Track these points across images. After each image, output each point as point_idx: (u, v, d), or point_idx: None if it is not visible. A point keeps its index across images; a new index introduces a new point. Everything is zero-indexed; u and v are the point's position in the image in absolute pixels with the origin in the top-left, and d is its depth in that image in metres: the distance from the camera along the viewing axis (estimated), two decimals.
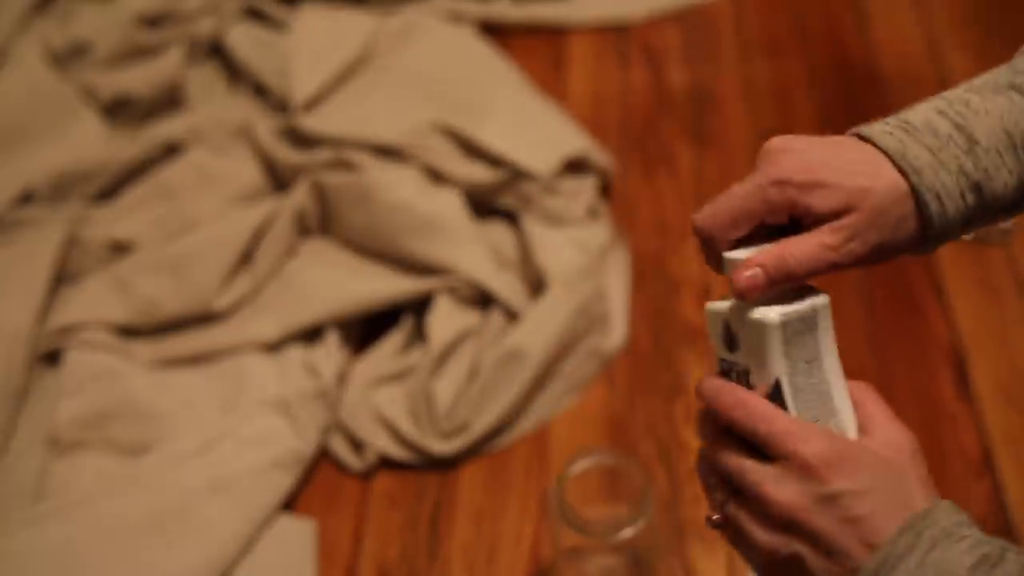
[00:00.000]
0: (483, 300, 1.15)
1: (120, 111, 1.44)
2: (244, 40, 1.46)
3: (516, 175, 1.20)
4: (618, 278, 1.20)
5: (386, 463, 1.07)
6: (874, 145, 0.54)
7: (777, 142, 0.57)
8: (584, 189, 1.22)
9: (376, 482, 1.06)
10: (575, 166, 1.23)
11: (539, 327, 1.08)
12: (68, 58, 1.47)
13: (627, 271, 1.21)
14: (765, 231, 0.56)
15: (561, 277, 1.12)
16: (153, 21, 1.48)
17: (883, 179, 0.53)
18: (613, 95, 1.44)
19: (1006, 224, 1.19)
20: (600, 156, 1.26)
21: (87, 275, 1.22)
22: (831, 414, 0.59)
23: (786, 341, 0.56)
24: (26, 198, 1.29)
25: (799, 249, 0.53)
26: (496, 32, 1.52)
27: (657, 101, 1.42)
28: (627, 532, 0.80)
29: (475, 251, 1.15)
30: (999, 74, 0.55)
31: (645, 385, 1.11)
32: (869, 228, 0.53)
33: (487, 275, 1.13)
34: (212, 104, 1.44)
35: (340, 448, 1.08)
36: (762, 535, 0.53)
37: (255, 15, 1.51)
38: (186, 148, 1.34)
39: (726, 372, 0.58)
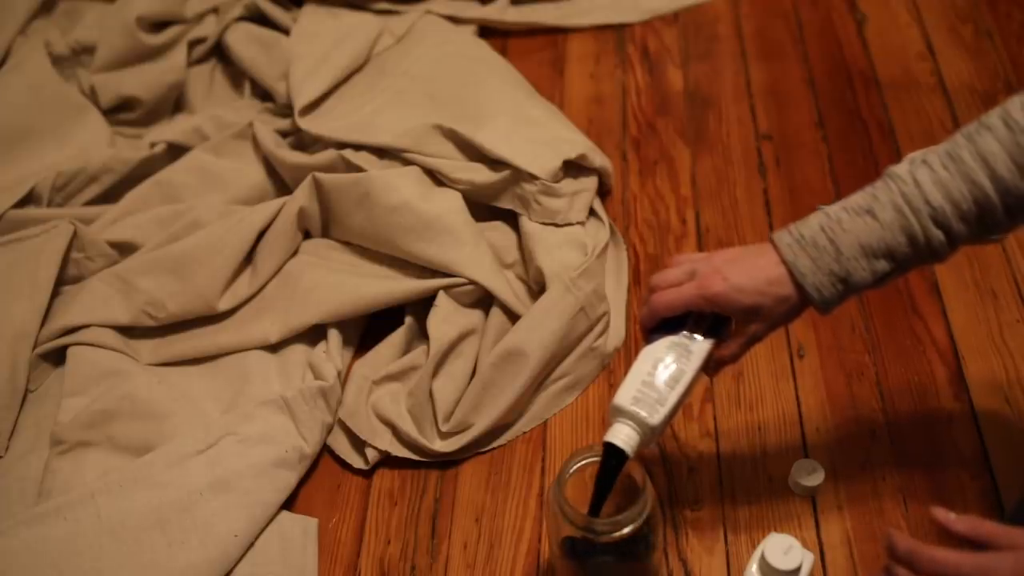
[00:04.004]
0: (483, 300, 1.15)
1: (123, 113, 1.45)
2: (246, 42, 1.47)
3: (516, 176, 1.20)
4: (618, 278, 1.20)
5: (387, 462, 1.08)
6: (779, 254, 0.80)
7: (713, 264, 0.82)
8: (584, 189, 1.23)
9: (377, 480, 1.07)
10: (575, 167, 1.24)
11: (539, 327, 1.09)
12: (71, 60, 1.47)
13: (626, 271, 1.22)
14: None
15: (561, 277, 1.12)
16: (155, 23, 1.49)
17: (780, 288, 0.80)
18: (613, 95, 1.44)
19: None
20: (600, 156, 1.27)
21: (90, 275, 1.22)
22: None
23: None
24: (30, 199, 1.30)
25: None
26: (496, 33, 1.53)
27: (656, 102, 1.42)
28: (626, 531, 0.81)
29: (475, 252, 1.15)
30: (863, 198, 0.79)
31: None
32: (766, 328, 0.86)
33: (487, 275, 1.14)
34: (214, 105, 1.45)
35: (341, 447, 1.09)
36: None
37: (257, 17, 1.51)
38: (188, 149, 1.35)
39: None
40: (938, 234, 0.78)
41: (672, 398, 0.80)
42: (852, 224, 0.79)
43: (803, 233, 0.80)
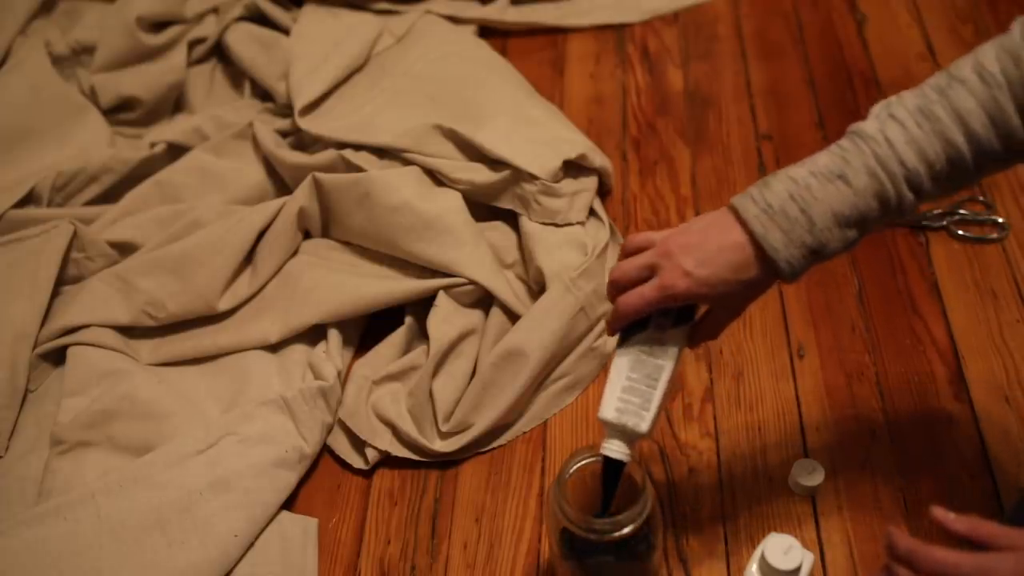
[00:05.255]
0: (483, 300, 1.15)
1: (123, 113, 1.45)
2: (246, 42, 1.47)
3: (516, 176, 1.20)
4: None
5: (387, 462, 1.08)
6: (746, 228, 0.75)
7: (672, 254, 0.77)
8: (584, 189, 1.23)
9: (377, 480, 1.07)
10: (575, 167, 1.24)
11: (539, 327, 1.09)
12: (71, 60, 1.48)
13: None
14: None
15: (561, 277, 1.12)
16: (155, 23, 1.49)
17: (746, 273, 0.76)
18: (613, 95, 1.44)
19: (1002, 220, 1.20)
20: (599, 157, 1.27)
21: (90, 275, 1.22)
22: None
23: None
24: (30, 199, 1.30)
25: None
26: (496, 33, 1.53)
27: (656, 102, 1.42)
28: (626, 530, 0.81)
29: (476, 252, 1.15)
30: (832, 160, 0.75)
31: None
32: (735, 311, 0.83)
33: (487, 275, 1.14)
34: (214, 105, 1.45)
35: (341, 447, 1.09)
36: None
37: (257, 17, 1.51)
38: (188, 149, 1.35)
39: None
40: (910, 195, 0.75)
41: (656, 398, 0.79)
42: (823, 191, 0.74)
43: (770, 202, 0.75)
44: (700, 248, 0.76)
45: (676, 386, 0.83)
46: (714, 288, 0.76)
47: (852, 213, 0.74)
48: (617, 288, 0.80)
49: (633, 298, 0.78)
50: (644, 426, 0.79)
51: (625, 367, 0.80)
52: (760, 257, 0.76)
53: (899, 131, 0.74)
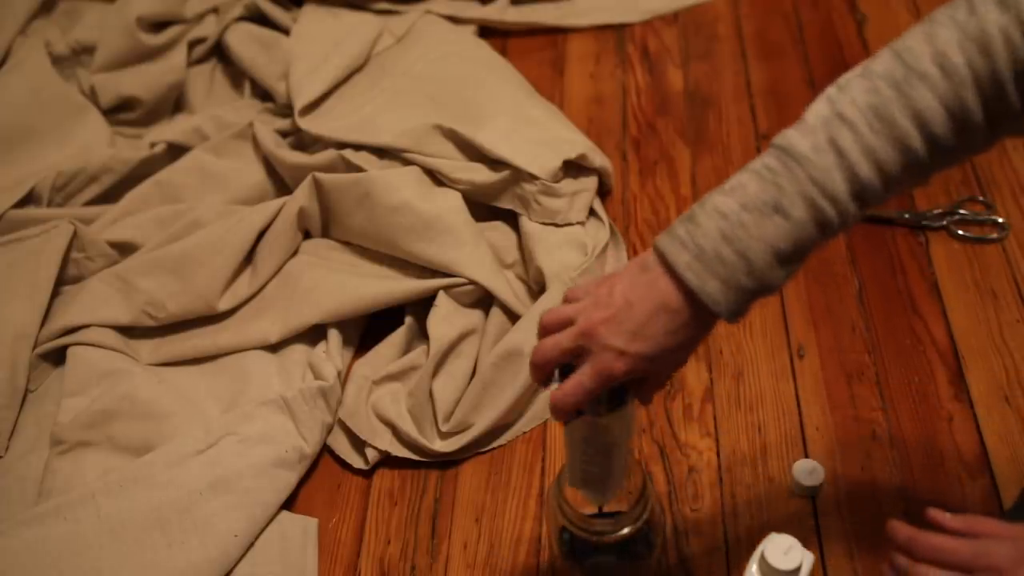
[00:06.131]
0: (483, 300, 1.15)
1: (123, 113, 1.45)
2: (246, 41, 1.47)
3: (516, 176, 1.20)
4: None
5: (387, 462, 1.08)
6: (676, 279, 0.67)
7: (597, 332, 0.68)
8: (584, 189, 1.23)
9: (377, 480, 1.07)
10: (575, 167, 1.24)
11: None
12: (71, 60, 1.48)
13: None
14: None
15: (561, 277, 1.12)
16: (155, 23, 1.49)
17: (683, 334, 0.68)
18: (612, 96, 1.44)
19: (1002, 220, 1.20)
20: (599, 157, 1.27)
21: (90, 275, 1.22)
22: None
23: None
24: (30, 198, 1.30)
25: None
26: (496, 33, 1.53)
27: (656, 102, 1.42)
28: (626, 530, 0.81)
29: (476, 252, 1.15)
30: (764, 189, 0.66)
31: None
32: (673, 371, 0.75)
33: (487, 275, 1.14)
34: (214, 105, 1.45)
35: (341, 447, 1.09)
36: None
37: (257, 16, 1.51)
38: (188, 149, 1.35)
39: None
40: (854, 211, 0.66)
41: (616, 468, 0.77)
42: (759, 228, 0.65)
43: (702, 245, 0.66)
44: (627, 319, 0.67)
45: (631, 449, 0.81)
46: (655, 360, 0.68)
47: (792, 247, 0.66)
48: (542, 372, 0.72)
49: (571, 392, 0.69)
50: (609, 494, 0.80)
51: (578, 448, 0.76)
52: (696, 308, 0.67)
53: (850, 136, 0.65)
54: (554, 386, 0.72)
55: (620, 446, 0.76)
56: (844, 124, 0.66)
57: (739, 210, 0.66)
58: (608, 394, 0.71)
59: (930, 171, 0.68)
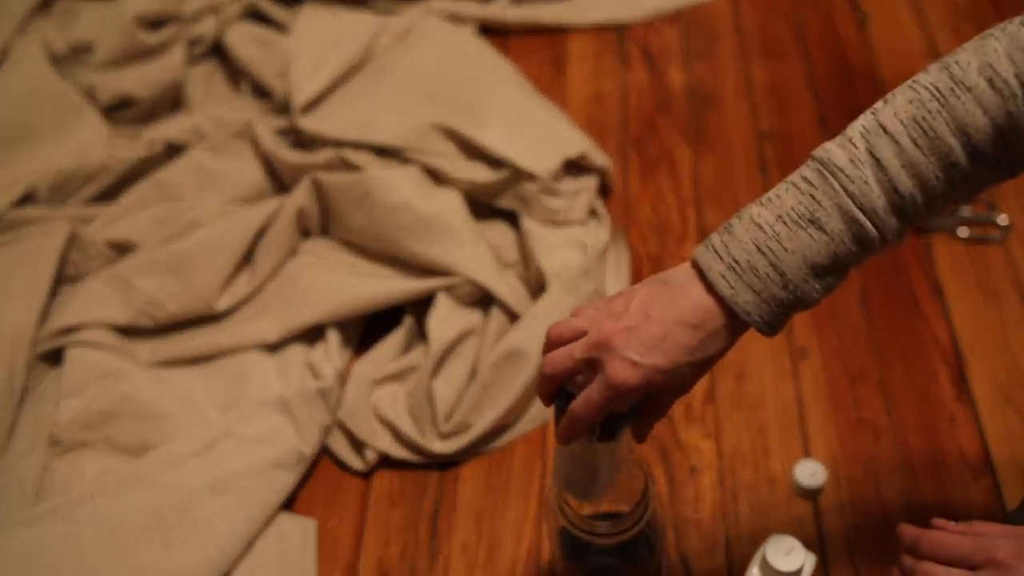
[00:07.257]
0: (483, 300, 1.15)
1: (121, 112, 1.44)
2: (245, 40, 1.46)
3: (516, 175, 1.20)
4: (618, 278, 1.20)
5: (386, 462, 1.07)
6: (711, 288, 0.66)
7: (612, 341, 0.66)
8: (584, 189, 1.23)
9: (376, 481, 1.07)
10: (575, 166, 1.23)
11: (539, 327, 1.08)
12: (69, 59, 1.47)
13: (627, 271, 1.21)
14: None
15: (561, 277, 1.12)
16: (154, 22, 1.48)
17: (710, 347, 0.67)
18: (613, 95, 1.44)
19: (1004, 222, 1.20)
20: (600, 156, 1.27)
21: (89, 275, 1.22)
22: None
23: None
24: (28, 198, 1.29)
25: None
26: (496, 32, 1.53)
27: (657, 101, 1.42)
28: (627, 532, 0.81)
29: (475, 251, 1.15)
30: (800, 201, 0.65)
31: None
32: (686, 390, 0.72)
33: (487, 275, 1.13)
34: (213, 104, 1.45)
35: (341, 447, 1.09)
36: None
37: (256, 15, 1.51)
38: (187, 148, 1.35)
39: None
40: (894, 224, 0.65)
41: (600, 481, 0.77)
42: (794, 240, 0.65)
43: (736, 257, 0.66)
44: (645, 331, 0.66)
45: (621, 467, 0.81)
46: (668, 374, 0.66)
47: (828, 260, 0.65)
48: (552, 384, 0.70)
49: (580, 408, 0.68)
50: (591, 499, 0.80)
51: (566, 463, 0.76)
52: (730, 317, 0.66)
53: (890, 149, 0.64)
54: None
55: (608, 470, 0.76)
56: (885, 136, 0.64)
57: (774, 222, 0.66)
58: (602, 425, 0.70)
59: (976, 186, 0.66)
